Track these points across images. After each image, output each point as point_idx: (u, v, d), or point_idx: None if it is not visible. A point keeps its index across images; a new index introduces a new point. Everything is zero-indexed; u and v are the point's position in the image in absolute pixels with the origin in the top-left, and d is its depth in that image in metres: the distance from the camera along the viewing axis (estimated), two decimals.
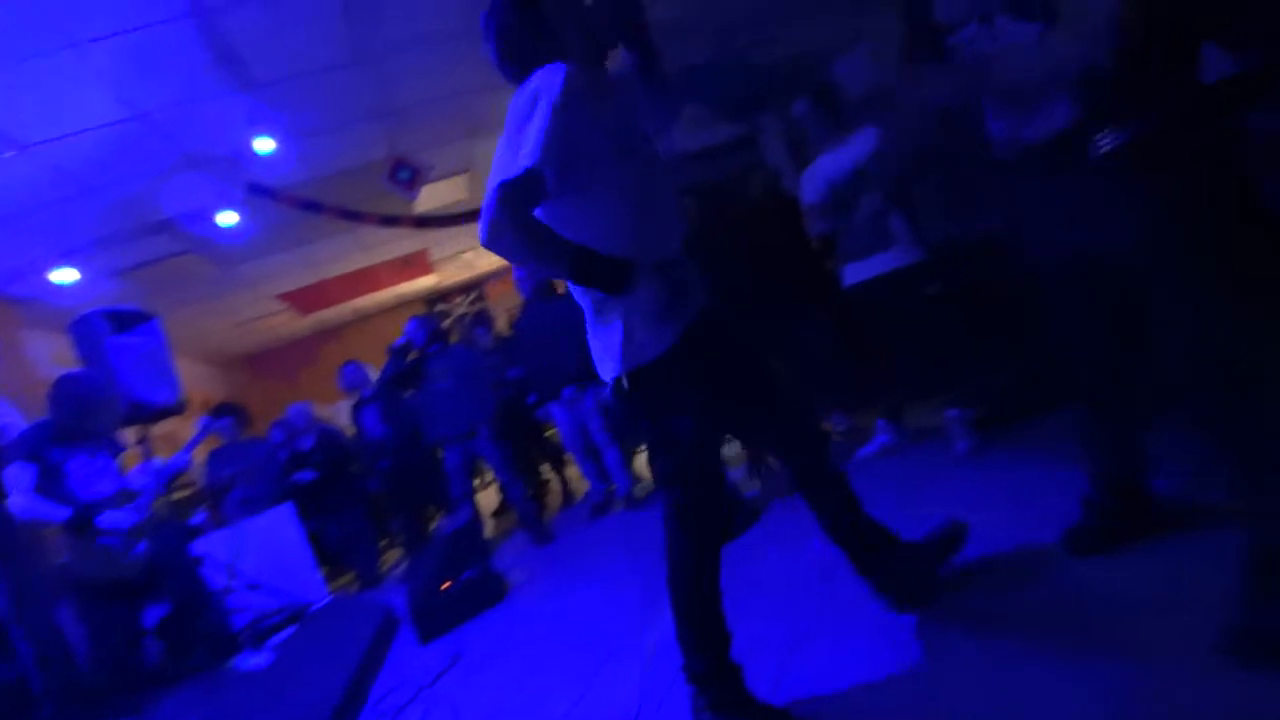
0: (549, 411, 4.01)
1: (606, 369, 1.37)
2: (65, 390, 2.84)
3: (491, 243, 1.23)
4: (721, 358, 1.37)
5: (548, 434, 4.84)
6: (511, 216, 1.19)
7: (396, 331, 4.24)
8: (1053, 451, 2.09)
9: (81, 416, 2.83)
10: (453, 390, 3.79)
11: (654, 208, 1.34)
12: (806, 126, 2.88)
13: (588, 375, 3.48)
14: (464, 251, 7.64)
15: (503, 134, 1.25)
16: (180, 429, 6.72)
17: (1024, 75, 1.34)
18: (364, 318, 8.94)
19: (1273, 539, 1.06)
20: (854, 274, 2.76)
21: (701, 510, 1.40)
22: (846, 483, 1.52)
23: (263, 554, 3.92)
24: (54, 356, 5.22)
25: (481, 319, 4.26)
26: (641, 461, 4.97)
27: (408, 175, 4.25)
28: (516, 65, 1.33)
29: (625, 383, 1.32)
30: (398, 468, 4.28)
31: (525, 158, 1.17)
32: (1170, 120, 1.21)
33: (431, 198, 5.30)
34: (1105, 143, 1.24)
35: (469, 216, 5.28)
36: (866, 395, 3.28)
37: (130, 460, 3.34)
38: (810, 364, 3.78)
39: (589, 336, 1.41)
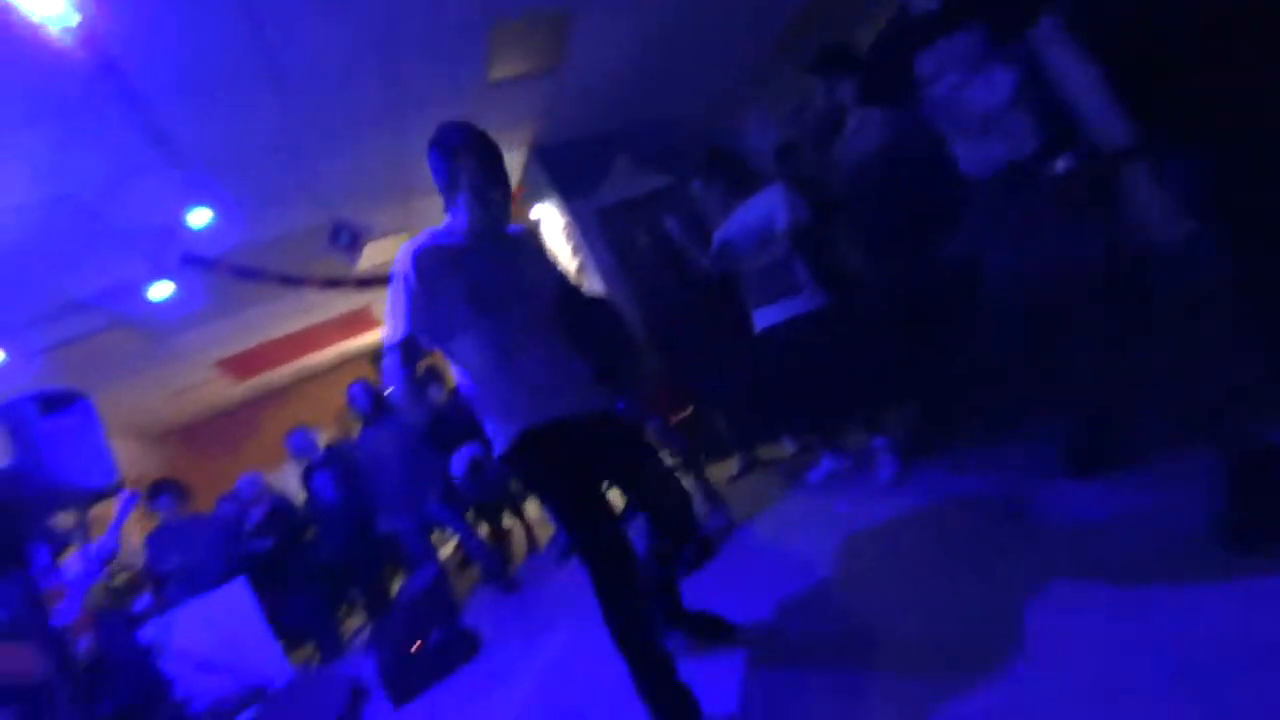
0: None
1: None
2: None
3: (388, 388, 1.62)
4: (561, 458, 1.56)
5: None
6: (392, 374, 1.57)
7: (342, 390, 4.23)
8: (977, 472, 2.29)
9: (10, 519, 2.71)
10: (397, 459, 3.76)
11: (514, 348, 1.57)
12: (703, 199, 3.08)
13: None
14: None
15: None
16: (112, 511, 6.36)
17: (990, 107, 1.61)
18: (307, 378, 8.73)
19: (1237, 458, 1.33)
20: (762, 319, 2.92)
21: (597, 571, 1.53)
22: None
23: (216, 634, 3.76)
24: None
25: (431, 375, 4.26)
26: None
27: (348, 238, 4.28)
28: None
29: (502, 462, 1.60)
30: (354, 533, 4.20)
31: (393, 333, 1.55)
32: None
33: (372, 256, 5.33)
34: (1060, 166, 1.51)
35: None
36: (806, 423, 3.47)
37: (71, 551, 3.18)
38: (736, 397, 3.99)
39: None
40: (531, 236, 1.79)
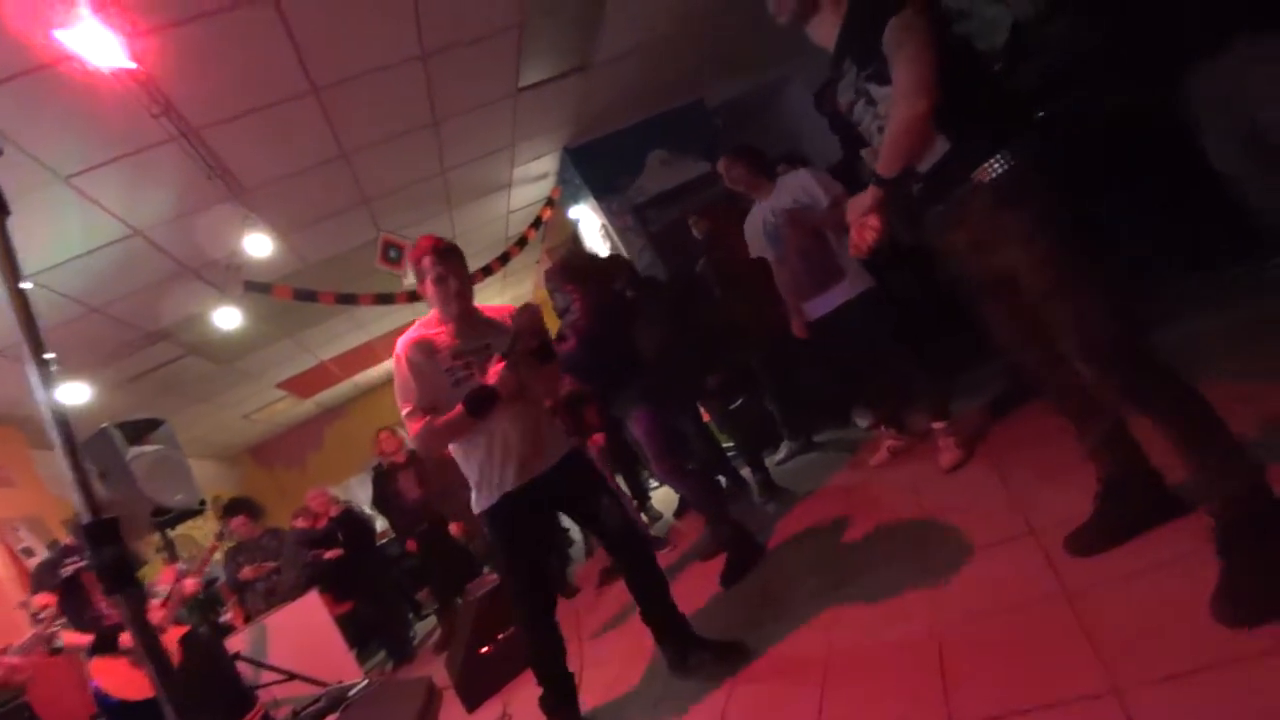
0: None
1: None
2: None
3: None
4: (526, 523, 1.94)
5: None
6: (417, 435, 1.89)
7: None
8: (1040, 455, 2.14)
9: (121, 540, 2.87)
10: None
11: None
12: (736, 189, 2.97)
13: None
14: None
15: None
16: (198, 527, 6.72)
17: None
18: (366, 392, 9.03)
19: (1228, 513, 1.16)
20: (814, 308, 2.84)
21: (522, 615, 2.03)
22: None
23: (295, 644, 3.92)
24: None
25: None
26: (658, 497, 5.01)
27: (396, 254, 4.40)
28: None
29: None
30: (430, 534, 4.30)
31: (402, 406, 1.90)
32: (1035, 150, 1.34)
33: None
34: (989, 170, 1.33)
35: None
36: (866, 406, 3.36)
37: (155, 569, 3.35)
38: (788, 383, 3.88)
39: None
40: (517, 314, 1.95)
